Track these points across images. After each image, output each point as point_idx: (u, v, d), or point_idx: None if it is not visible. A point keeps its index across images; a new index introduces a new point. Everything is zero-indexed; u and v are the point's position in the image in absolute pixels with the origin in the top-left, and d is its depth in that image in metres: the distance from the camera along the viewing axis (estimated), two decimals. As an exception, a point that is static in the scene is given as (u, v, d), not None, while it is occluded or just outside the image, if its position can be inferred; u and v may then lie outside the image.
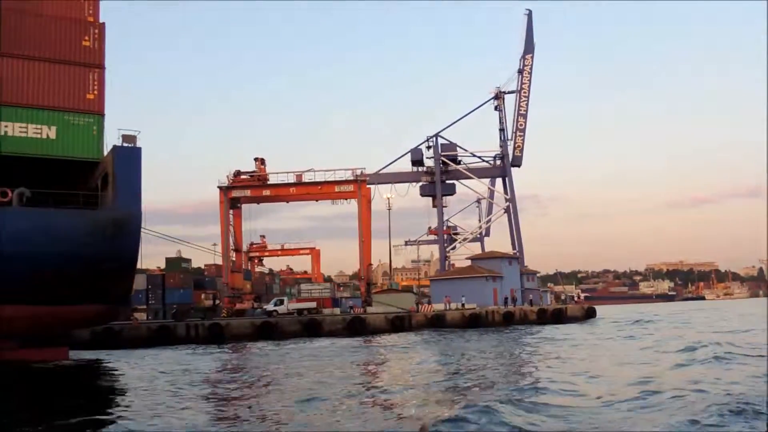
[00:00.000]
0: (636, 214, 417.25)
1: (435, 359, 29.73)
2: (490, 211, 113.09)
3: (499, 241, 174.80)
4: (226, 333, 46.43)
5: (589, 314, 62.87)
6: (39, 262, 25.89)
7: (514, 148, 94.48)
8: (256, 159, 67.95)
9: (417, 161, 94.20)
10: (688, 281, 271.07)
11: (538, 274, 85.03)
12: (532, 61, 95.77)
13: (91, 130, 30.05)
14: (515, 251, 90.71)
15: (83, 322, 31.25)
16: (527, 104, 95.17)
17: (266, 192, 67.41)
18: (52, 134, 29.30)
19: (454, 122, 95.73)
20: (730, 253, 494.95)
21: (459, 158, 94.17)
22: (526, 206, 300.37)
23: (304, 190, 67.45)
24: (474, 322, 53.95)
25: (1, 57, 28.60)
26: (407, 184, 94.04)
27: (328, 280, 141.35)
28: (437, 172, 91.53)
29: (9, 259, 25.55)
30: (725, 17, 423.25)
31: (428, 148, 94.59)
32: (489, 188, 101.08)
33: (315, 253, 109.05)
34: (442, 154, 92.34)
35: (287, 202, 72.71)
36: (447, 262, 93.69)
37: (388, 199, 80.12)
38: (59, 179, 32.21)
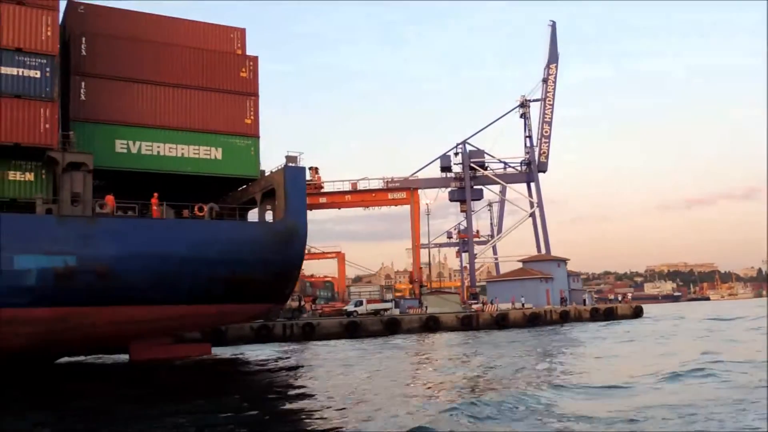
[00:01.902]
0: (631, 216, 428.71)
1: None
2: (501, 215, 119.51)
3: (511, 244, 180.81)
4: (317, 331, 51.60)
5: (637, 313, 69.04)
6: (232, 267, 30.93)
7: (539, 154, 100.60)
8: (310, 168, 73.10)
9: (446, 167, 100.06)
10: (689, 282, 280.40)
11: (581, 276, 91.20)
12: (557, 70, 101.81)
13: (249, 151, 35.18)
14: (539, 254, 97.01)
15: (253, 318, 36.43)
16: (552, 112, 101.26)
17: (322, 199, 72.60)
18: (219, 155, 34.40)
19: (481, 129, 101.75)
20: (727, 254, 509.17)
21: (486, 164, 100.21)
22: (519, 211, 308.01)
23: (359, 197, 72.73)
24: (534, 320, 59.77)
25: (178, 88, 33.68)
26: (436, 189, 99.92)
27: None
28: (466, 178, 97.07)
29: (206, 265, 30.57)
30: (724, 19, 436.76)
31: (456, 154, 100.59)
32: (504, 188, 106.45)
33: (341, 257, 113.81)
34: (471, 161, 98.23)
35: (339, 208, 77.93)
36: (464, 266, 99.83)
37: (428, 205, 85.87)
38: (213, 193, 37.62)
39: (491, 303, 65.48)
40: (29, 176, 29.54)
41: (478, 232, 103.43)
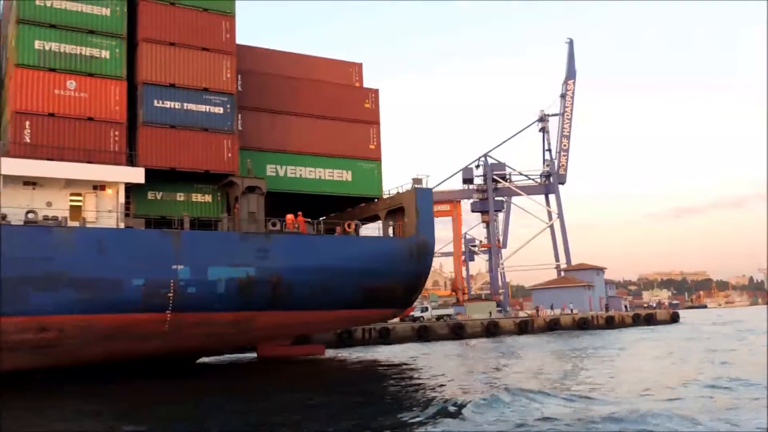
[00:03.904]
0: (619, 225, 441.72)
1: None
2: (507, 225, 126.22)
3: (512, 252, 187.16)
4: (392, 335, 57.05)
5: (674, 318, 75.75)
6: (375, 277, 36.23)
7: (558, 167, 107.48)
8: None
9: (468, 179, 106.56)
10: (684, 290, 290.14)
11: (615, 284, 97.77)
12: (574, 86, 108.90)
13: (373, 173, 40.65)
14: (557, 263, 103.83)
15: (380, 320, 41.94)
16: (570, 126, 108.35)
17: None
18: (349, 177, 39.81)
19: (502, 143, 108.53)
20: (718, 263, 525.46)
21: (507, 176, 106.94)
22: (516, 217, 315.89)
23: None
24: (582, 325, 65.92)
25: (314, 118, 39.01)
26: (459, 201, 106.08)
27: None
28: (489, 190, 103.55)
29: (355, 275, 35.83)
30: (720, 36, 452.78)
31: (477, 167, 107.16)
32: (509, 199, 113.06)
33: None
34: (494, 173, 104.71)
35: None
36: (470, 275, 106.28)
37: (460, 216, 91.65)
38: (333, 210, 43.09)
39: (550, 309, 71.47)
40: (208, 198, 34.76)
41: (500, 241, 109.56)
